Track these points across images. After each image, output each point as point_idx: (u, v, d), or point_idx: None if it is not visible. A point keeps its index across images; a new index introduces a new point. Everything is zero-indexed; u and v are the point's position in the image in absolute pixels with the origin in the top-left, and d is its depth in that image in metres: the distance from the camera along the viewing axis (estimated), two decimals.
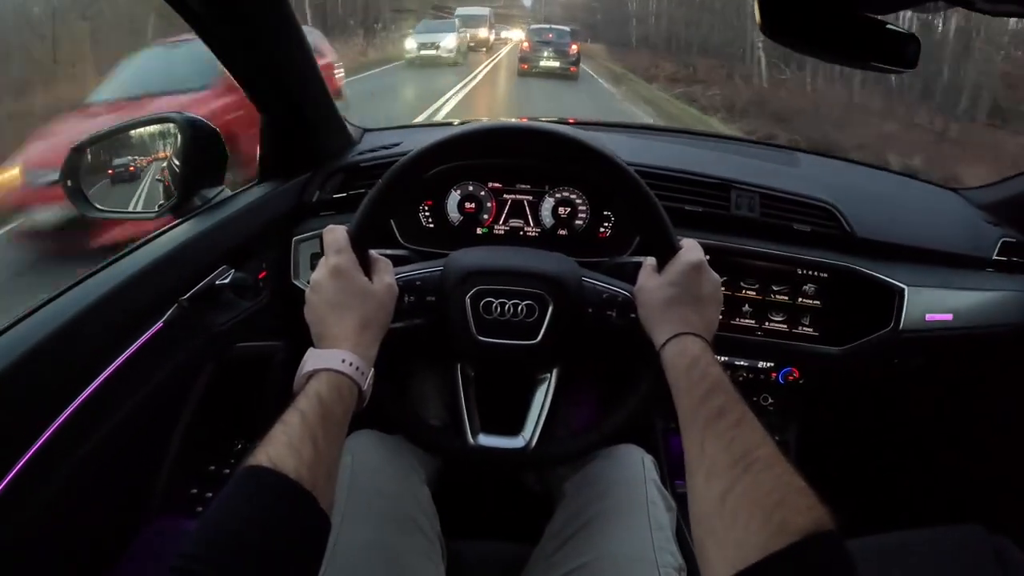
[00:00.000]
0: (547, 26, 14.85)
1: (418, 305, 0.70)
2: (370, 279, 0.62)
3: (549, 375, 0.72)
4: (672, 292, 0.62)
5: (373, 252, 0.65)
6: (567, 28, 14.54)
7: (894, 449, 1.22)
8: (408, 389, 0.98)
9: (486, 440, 0.71)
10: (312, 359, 0.55)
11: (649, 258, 0.67)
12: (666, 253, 0.64)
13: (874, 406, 1.17)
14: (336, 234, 0.63)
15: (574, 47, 13.37)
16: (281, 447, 0.46)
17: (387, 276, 0.64)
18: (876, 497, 1.18)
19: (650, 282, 0.64)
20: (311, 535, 0.46)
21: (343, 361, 0.55)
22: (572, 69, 13.05)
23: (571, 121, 1.25)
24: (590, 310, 0.70)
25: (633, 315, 0.66)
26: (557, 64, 12.97)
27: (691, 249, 0.64)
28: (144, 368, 0.68)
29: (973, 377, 1.09)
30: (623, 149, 0.92)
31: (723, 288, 0.92)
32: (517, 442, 0.71)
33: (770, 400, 1.04)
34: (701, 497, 0.47)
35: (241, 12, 0.72)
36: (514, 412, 0.72)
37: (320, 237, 0.90)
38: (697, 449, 0.50)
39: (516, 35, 28.72)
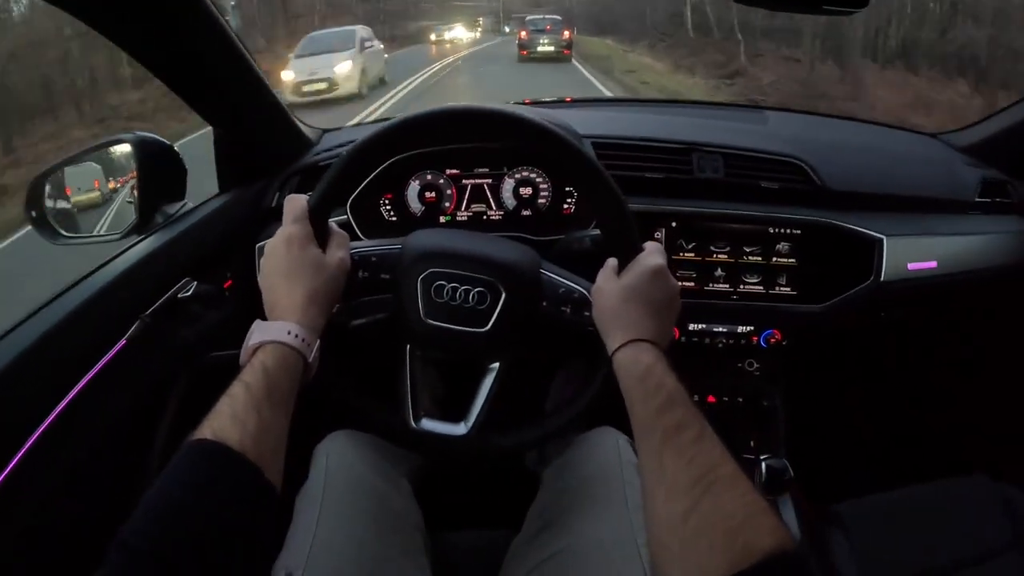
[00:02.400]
0: (541, 16, 16.68)
1: (372, 281, 0.70)
2: (324, 251, 0.62)
3: (497, 365, 0.71)
4: (628, 296, 0.60)
5: (332, 224, 0.65)
6: (559, 17, 16.51)
7: (886, 405, 1.19)
8: (364, 370, 0.98)
9: (428, 424, 0.70)
10: (258, 331, 0.55)
11: (609, 259, 0.65)
12: (627, 254, 0.62)
13: (862, 362, 1.14)
14: (295, 203, 0.63)
15: (567, 33, 14.98)
16: (225, 419, 0.46)
17: (340, 251, 0.64)
18: (873, 455, 1.15)
19: (608, 284, 0.62)
20: (256, 506, 0.45)
21: (288, 333, 0.55)
22: (565, 52, 14.78)
23: (527, 102, 1.23)
24: (544, 303, 0.69)
25: (587, 313, 0.65)
26: (552, 48, 14.65)
27: (652, 253, 0.62)
28: (111, 387, 0.69)
29: (962, 324, 1.06)
30: (581, 122, 0.91)
31: (692, 254, 0.91)
32: (458, 429, 0.70)
33: (755, 365, 1.02)
34: (661, 516, 0.46)
35: (170, 28, 0.71)
36: (467, 400, 0.71)
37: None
38: (655, 464, 0.48)
39: (462, 34, 26.60)
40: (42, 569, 0.67)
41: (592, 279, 0.65)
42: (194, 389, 0.84)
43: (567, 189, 0.93)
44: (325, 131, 1.10)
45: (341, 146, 0.99)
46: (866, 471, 0.96)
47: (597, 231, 0.83)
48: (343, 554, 0.64)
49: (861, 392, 1.18)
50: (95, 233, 0.93)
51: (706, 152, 0.92)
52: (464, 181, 0.95)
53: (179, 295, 0.79)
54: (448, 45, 23.01)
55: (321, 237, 0.63)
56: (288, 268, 0.59)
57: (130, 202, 0.96)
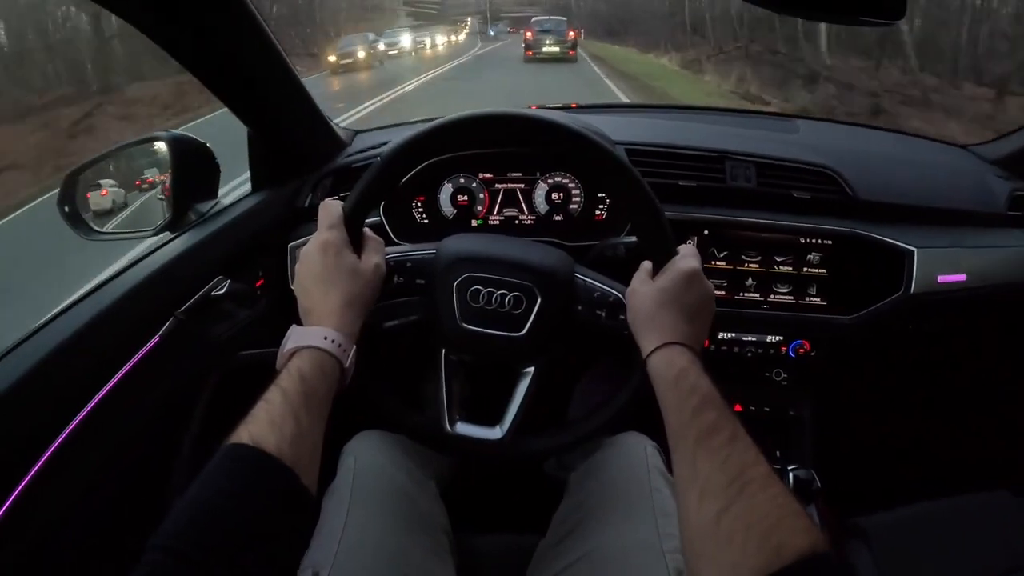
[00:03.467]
0: (546, 18, 17.22)
1: (407, 286, 0.70)
2: (360, 257, 0.62)
3: (532, 369, 0.71)
4: (663, 299, 0.60)
5: (367, 230, 0.65)
6: (564, 18, 17.21)
7: (914, 417, 1.18)
8: (398, 375, 0.99)
9: (463, 429, 0.71)
10: (294, 336, 0.56)
11: (644, 262, 0.65)
12: (661, 257, 0.62)
13: (890, 374, 1.14)
14: (330, 209, 0.63)
15: (571, 33, 15.47)
16: (262, 424, 0.47)
17: (376, 256, 0.64)
18: (899, 467, 1.15)
19: (643, 287, 0.62)
20: (292, 510, 0.46)
21: (325, 338, 0.55)
22: (571, 52, 15.15)
23: (573, 106, 1.23)
24: (579, 307, 0.69)
25: (622, 316, 0.65)
26: (557, 49, 15.05)
27: (687, 256, 0.62)
28: (144, 383, 0.69)
29: (991, 338, 1.05)
30: (615, 128, 0.91)
31: (724, 263, 0.91)
32: (494, 433, 0.70)
33: (783, 375, 1.01)
34: (694, 517, 0.46)
35: (205, 24, 0.71)
36: (499, 403, 0.71)
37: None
38: (689, 466, 0.48)
39: (404, 42, 19.16)
40: (74, 559, 0.67)
41: (626, 285, 0.65)
42: (224, 387, 0.84)
43: (599, 195, 0.93)
44: (357, 132, 1.10)
45: (374, 148, 0.99)
46: (892, 483, 0.96)
47: (631, 238, 0.83)
48: (370, 553, 0.64)
49: (888, 404, 1.18)
50: (127, 229, 0.94)
51: (739, 161, 0.92)
52: (497, 185, 0.95)
53: (212, 293, 0.79)
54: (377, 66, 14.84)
55: (356, 243, 0.63)
56: (324, 274, 0.59)
57: (160, 199, 0.97)
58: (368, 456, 0.76)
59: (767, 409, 1.05)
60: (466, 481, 0.88)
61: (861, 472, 1.08)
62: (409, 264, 0.70)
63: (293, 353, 0.54)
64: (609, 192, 0.91)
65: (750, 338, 0.95)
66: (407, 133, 0.64)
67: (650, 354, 0.58)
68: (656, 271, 0.63)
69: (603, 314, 0.68)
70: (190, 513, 0.41)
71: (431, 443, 0.74)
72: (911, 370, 1.13)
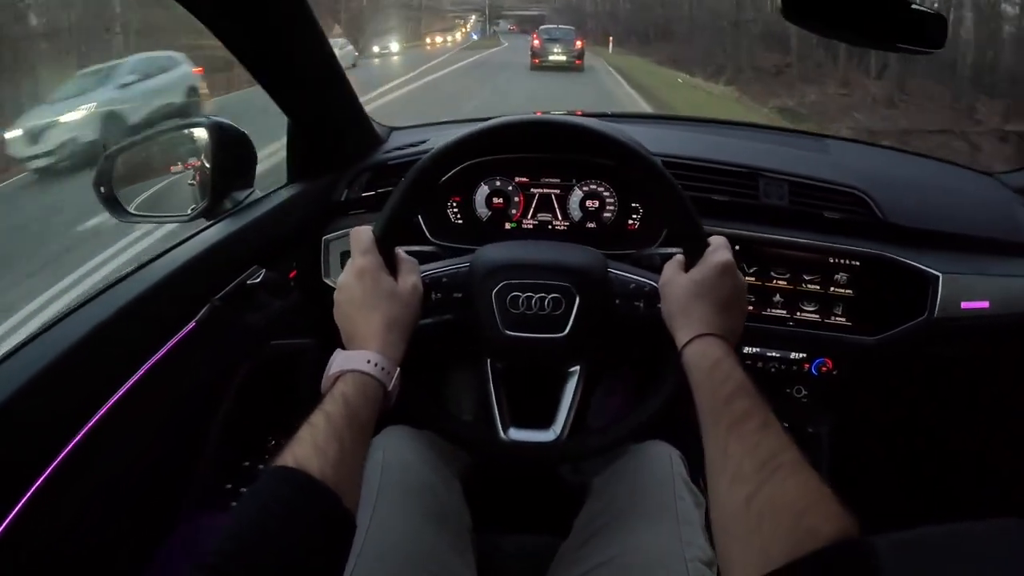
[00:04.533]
0: (554, 27, 16.98)
1: (445, 302, 0.71)
2: (396, 279, 0.63)
3: (578, 368, 0.72)
4: (697, 291, 0.61)
5: (400, 251, 0.66)
6: (572, 27, 16.93)
7: (930, 441, 1.19)
8: (435, 385, 0.99)
9: (517, 434, 0.71)
10: (338, 360, 0.56)
11: (677, 254, 0.67)
12: (695, 250, 0.63)
13: (909, 397, 1.15)
14: (361, 235, 0.63)
15: (579, 43, 15.12)
16: (307, 447, 0.47)
17: (412, 276, 0.64)
18: (913, 490, 1.16)
19: (677, 278, 0.64)
20: (334, 533, 0.46)
21: (368, 362, 0.55)
22: (577, 62, 14.76)
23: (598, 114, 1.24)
24: (617, 301, 0.70)
25: (659, 305, 0.66)
26: (564, 58, 14.69)
27: (720, 249, 0.63)
28: (178, 368, 0.69)
29: (1011, 366, 1.07)
30: (648, 140, 0.91)
31: (753, 278, 0.92)
32: (548, 435, 0.71)
33: (803, 392, 1.02)
34: (724, 501, 0.46)
35: (262, 16, 0.72)
36: (542, 405, 0.72)
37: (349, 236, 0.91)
38: (720, 452, 0.49)
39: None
40: (101, 539, 0.67)
41: (659, 276, 0.67)
42: (254, 376, 0.84)
43: (633, 205, 0.94)
44: (393, 129, 1.10)
45: (412, 145, 1.00)
46: (906, 505, 0.97)
47: (667, 249, 0.84)
48: (395, 546, 0.65)
49: (906, 426, 1.19)
50: (161, 213, 0.94)
51: (772, 178, 0.93)
52: (532, 189, 0.95)
53: (248, 281, 0.79)
54: None
55: (391, 265, 0.63)
56: (363, 299, 0.60)
57: (191, 184, 0.97)
58: (396, 451, 0.76)
59: (786, 425, 1.04)
60: (485, 481, 0.88)
61: (876, 492, 1.09)
62: (445, 279, 0.71)
63: (337, 377, 0.54)
64: (643, 187, 0.92)
65: (774, 354, 0.96)
66: (433, 150, 0.66)
67: (685, 345, 0.59)
68: (689, 264, 0.64)
69: (641, 305, 0.70)
70: (235, 533, 0.42)
71: (488, 452, 0.75)
72: (930, 393, 1.14)
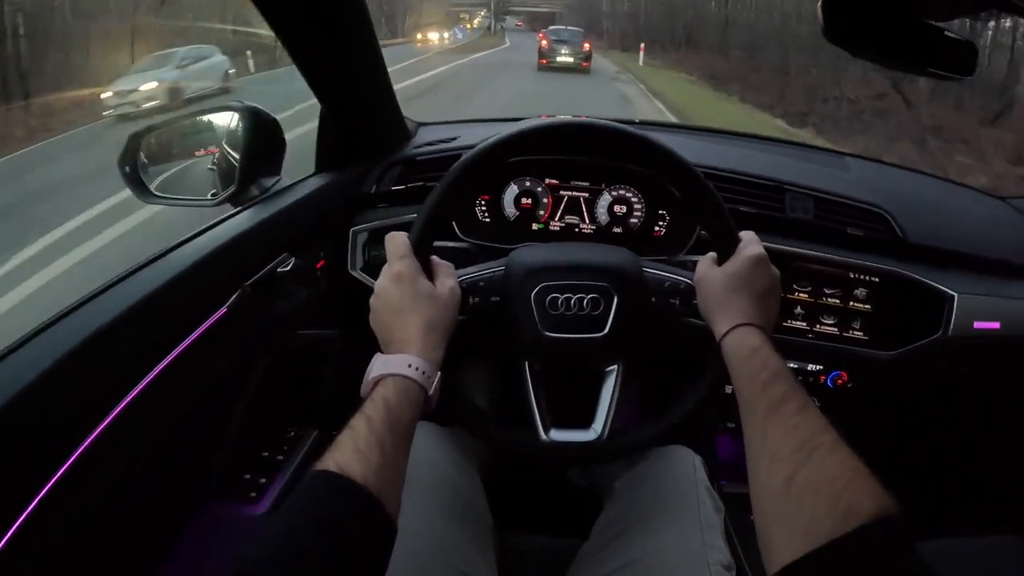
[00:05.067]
0: (563, 28, 16.97)
1: (483, 306, 0.71)
2: (433, 283, 0.62)
3: (616, 366, 0.73)
4: (733, 284, 0.63)
5: (435, 257, 0.66)
6: (579, 29, 16.85)
7: (939, 456, 1.21)
8: (460, 385, 0.99)
9: (558, 435, 0.72)
10: (379, 364, 0.55)
11: (709, 252, 0.68)
12: (727, 245, 0.65)
13: (920, 412, 1.17)
14: (397, 240, 0.63)
15: (586, 45, 15.16)
16: (349, 452, 0.47)
17: (450, 280, 0.64)
18: (924, 504, 1.17)
19: (712, 272, 0.65)
20: (376, 540, 0.46)
21: (409, 366, 0.54)
22: (584, 64, 14.79)
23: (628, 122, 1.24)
24: (653, 299, 0.72)
25: (695, 301, 0.68)
26: (571, 59, 14.72)
27: (752, 243, 0.65)
28: (208, 352, 0.69)
29: (1020, 385, 1.09)
30: (678, 149, 0.92)
31: None
32: (590, 435, 0.71)
33: (817, 404, 1.03)
34: (764, 483, 0.47)
35: (317, 9, 0.72)
36: (578, 405, 0.73)
37: (378, 231, 0.91)
38: (759, 436, 0.50)
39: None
40: (120, 528, 0.67)
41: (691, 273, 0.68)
42: (277, 366, 0.84)
43: (660, 212, 0.95)
44: (421, 124, 1.10)
45: (443, 141, 0.99)
46: (915, 518, 0.98)
47: (696, 256, 0.84)
48: (417, 539, 0.65)
49: (917, 440, 1.21)
50: (185, 196, 0.93)
51: (798, 193, 0.94)
52: (561, 192, 0.96)
53: (278, 269, 0.79)
54: None
55: (427, 269, 0.63)
56: (401, 304, 0.59)
57: (211, 169, 0.96)
58: (421, 446, 0.76)
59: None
60: (504, 480, 0.89)
61: None
62: (482, 284, 0.71)
63: (377, 381, 0.54)
64: (674, 186, 0.93)
65: (792, 365, 0.96)
66: (471, 140, 0.66)
67: (724, 336, 0.60)
68: (722, 258, 0.66)
69: (677, 302, 0.71)
70: (276, 538, 0.42)
71: (530, 454, 0.75)
72: (941, 409, 1.16)
